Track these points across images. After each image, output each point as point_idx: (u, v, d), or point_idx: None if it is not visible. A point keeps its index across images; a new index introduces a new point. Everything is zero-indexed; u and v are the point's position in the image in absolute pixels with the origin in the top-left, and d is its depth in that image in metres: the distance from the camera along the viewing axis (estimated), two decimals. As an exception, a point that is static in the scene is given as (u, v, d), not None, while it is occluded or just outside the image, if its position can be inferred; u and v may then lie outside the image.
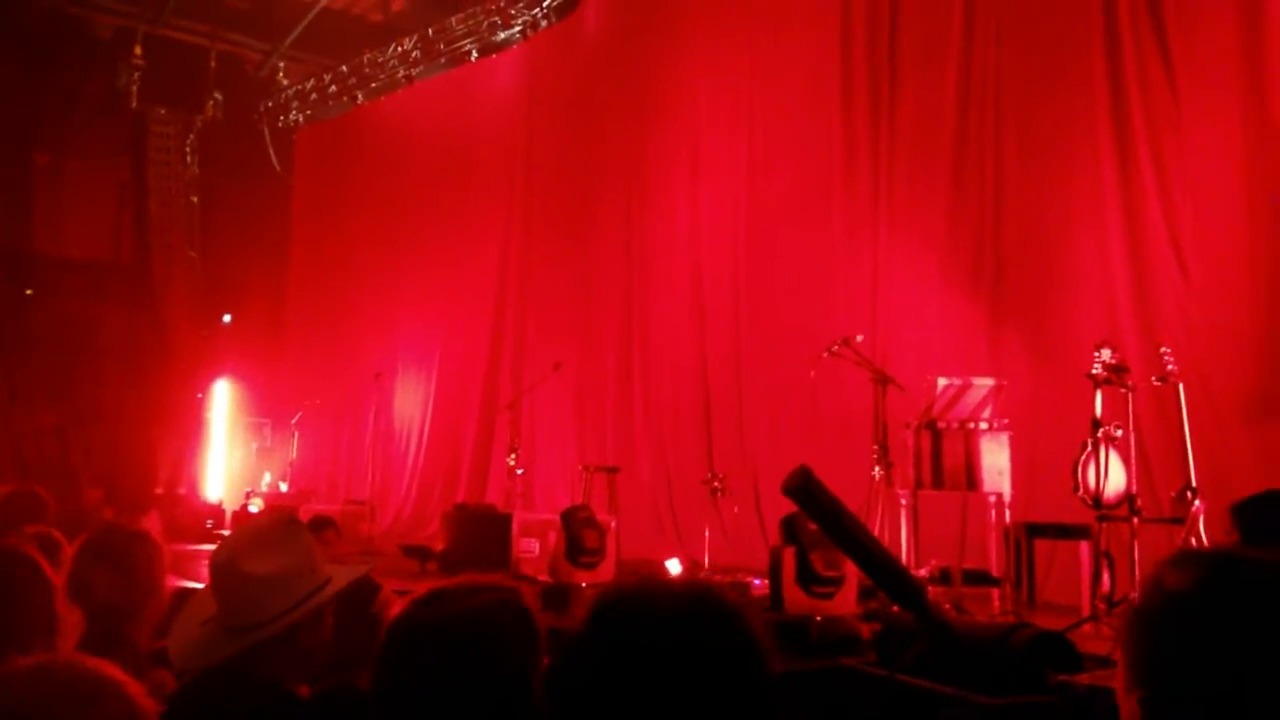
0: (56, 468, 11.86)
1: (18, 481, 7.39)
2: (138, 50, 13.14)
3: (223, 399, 13.44)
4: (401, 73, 12.84)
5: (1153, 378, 5.01)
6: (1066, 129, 6.93)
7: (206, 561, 2.08)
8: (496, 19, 11.74)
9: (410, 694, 1.51)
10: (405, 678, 1.52)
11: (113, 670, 1.25)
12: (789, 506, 5.60)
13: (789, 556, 5.22)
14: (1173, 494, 4.93)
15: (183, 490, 12.38)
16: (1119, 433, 4.90)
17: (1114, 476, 4.90)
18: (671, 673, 1.12)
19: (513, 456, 8.54)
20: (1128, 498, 4.91)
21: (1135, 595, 4.70)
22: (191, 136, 14.13)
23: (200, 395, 13.29)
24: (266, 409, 13.09)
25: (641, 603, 1.18)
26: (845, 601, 5.23)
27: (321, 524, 5.08)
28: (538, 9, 11.41)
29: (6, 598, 2.39)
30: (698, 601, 1.18)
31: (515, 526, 7.52)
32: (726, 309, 9.09)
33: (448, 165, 11.93)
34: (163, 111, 14.01)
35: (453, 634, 1.52)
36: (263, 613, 1.90)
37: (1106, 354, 4.82)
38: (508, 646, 1.53)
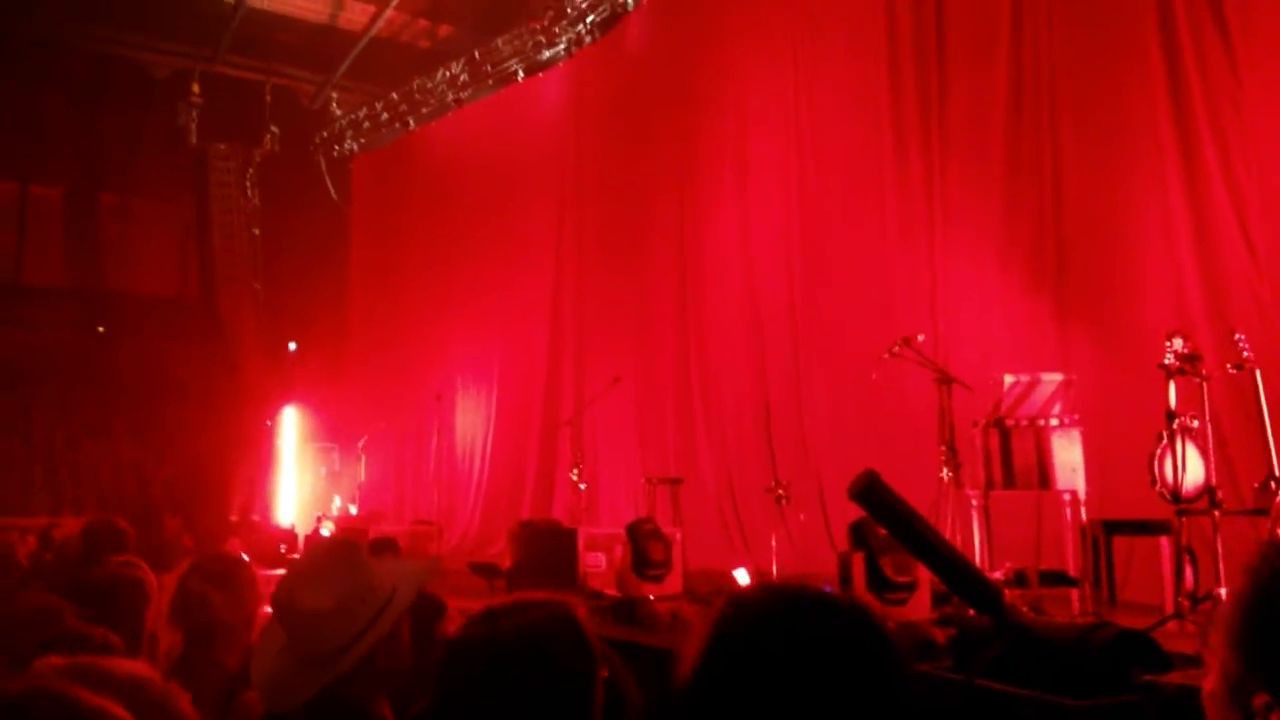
0: (135, 499, 12.20)
1: (98, 513, 7.63)
2: (195, 88, 13.51)
3: (291, 426, 13.71)
4: (451, 96, 13.02)
5: (1228, 365, 4.86)
6: (1124, 112, 6.76)
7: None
8: (541, 38, 11.85)
9: (468, 712, 1.52)
10: (462, 697, 1.53)
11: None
12: (856, 512, 5.53)
13: (858, 562, 5.15)
14: (1255, 485, 4.77)
15: (256, 516, 12.64)
16: (1195, 424, 4.75)
17: (1192, 469, 4.75)
18: (810, 678, 1.11)
19: (575, 471, 8.57)
20: (1207, 490, 4.76)
21: (1222, 590, 4.55)
22: (251, 170, 14.48)
23: (270, 423, 13.57)
24: (334, 434, 13.32)
25: (768, 610, 1.17)
26: (919, 607, 5.14)
27: (384, 546, 5.13)
28: (581, 26, 11.50)
29: (107, 619, 2.47)
30: (824, 606, 1.17)
31: (581, 541, 7.53)
32: (782, 314, 9.03)
33: (500, 185, 12.06)
34: (222, 147, 14.39)
35: (506, 651, 1.53)
36: (333, 642, 1.93)
37: (1179, 343, 4.68)
38: (562, 661, 1.54)
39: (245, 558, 2.69)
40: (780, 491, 7.25)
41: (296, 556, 10.21)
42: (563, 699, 1.52)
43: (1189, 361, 4.67)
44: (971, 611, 4.30)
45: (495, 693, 1.51)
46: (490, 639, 1.56)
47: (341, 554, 2.06)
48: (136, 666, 1.42)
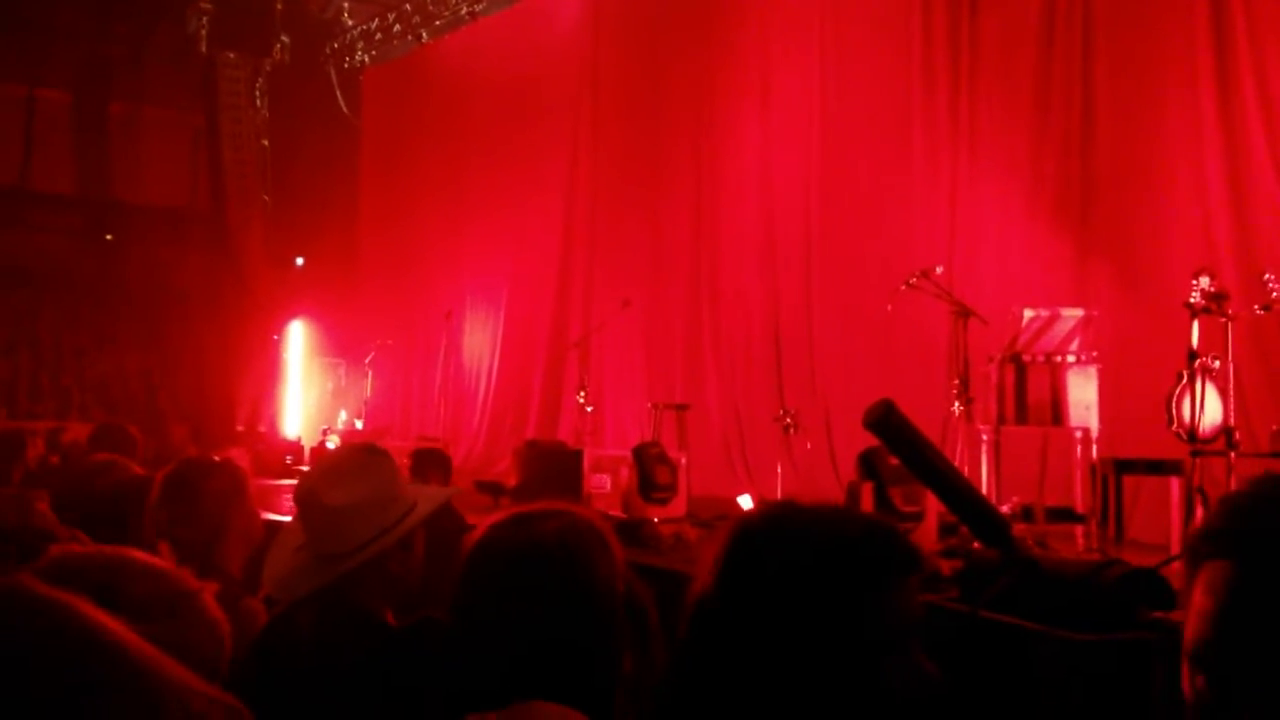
0: (143, 408, 12.26)
1: (106, 419, 7.65)
2: (205, -6, 13.21)
3: (298, 340, 13.70)
4: (465, 9, 12.69)
5: (1255, 306, 4.75)
6: (1160, 43, 6.54)
7: (289, 495, 2.10)
8: (560, -50, 11.50)
9: (495, 618, 1.48)
10: (490, 601, 1.49)
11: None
12: (862, 442, 5.50)
13: (867, 492, 5.13)
14: (1273, 428, 4.70)
15: (263, 428, 12.71)
16: (1216, 364, 4.67)
17: (1210, 410, 4.68)
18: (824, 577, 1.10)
19: (582, 393, 8.54)
20: (1224, 432, 4.69)
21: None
22: (260, 80, 14.21)
23: (277, 336, 13.56)
24: (341, 349, 13.32)
25: (789, 524, 1.17)
26: (925, 538, 5.12)
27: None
28: (602, -63, 11.14)
29: (110, 523, 2.44)
30: (840, 517, 1.18)
31: (586, 462, 7.53)
32: (798, 242, 8.90)
33: (514, 102, 11.82)
34: (232, 56, 14.09)
35: (540, 554, 1.48)
36: (349, 541, 1.92)
37: (1205, 281, 4.57)
38: (594, 568, 1.50)
39: (236, 463, 2.63)
40: (788, 420, 7.21)
41: (304, 468, 10.31)
42: (591, 607, 1.48)
43: (1215, 300, 4.57)
44: (978, 545, 4.28)
45: (524, 596, 1.47)
46: (518, 542, 1.51)
47: (369, 458, 2.06)
48: (151, 558, 1.38)
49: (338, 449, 2.18)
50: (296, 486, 2.07)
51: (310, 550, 1.96)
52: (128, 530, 2.43)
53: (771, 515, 1.20)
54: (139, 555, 1.33)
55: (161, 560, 1.43)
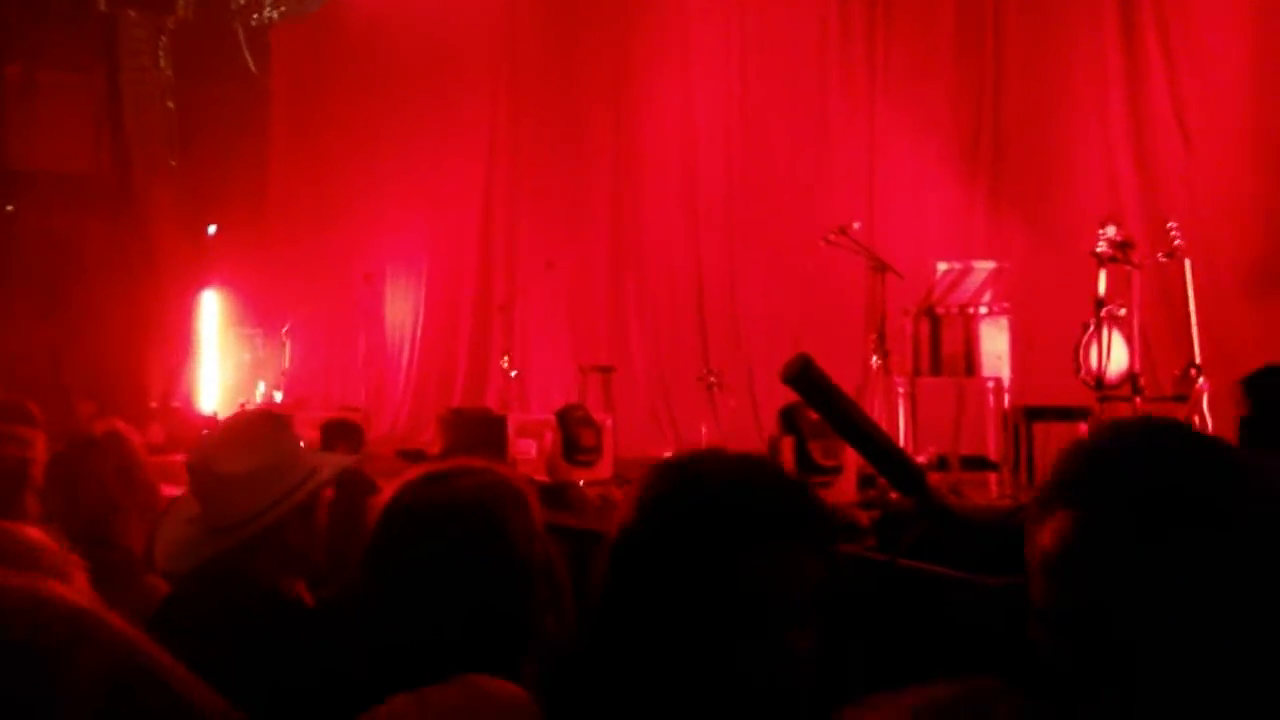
0: (48, 383, 11.80)
1: (10, 396, 7.33)
2: (102, -51, 12.60)
3: (212, 310, 13.29)
4: (377, -36, 12.32)
5: (1159, 254, 4.89)
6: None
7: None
8: (472, -98, 11.20)
9: (411, 583, 1.41)
10: (405, 565, 1.42)
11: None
12: (785, 399, 5.54)
13: (787, 446, 5.16)
14: (1176, 373, 4.86)
15: (177, 403, 12.34)
16: (1123, 312, 4.80)
17: (1116, 356, 4.82)
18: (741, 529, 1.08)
19: (506, 358, 8.46)
20: (1130, 378, 4.84)
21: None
22: (164, 39, 13.65)
23: (189, 307, 13.14)
24: (257, 318, 12.96)
25: (701, 469, 1.15)
26: (844, 490, 5.20)
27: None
28: (516, -110, 10.88)
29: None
30: (750, 467, 1.15)
31: (511, 428, 7.48)
32: (719, 200, 8.90)
33: (430, 59, 11.54)
34: (133, 14, 13.49)
35: (457, 513, 1.42)
36: (243, 511, 1.85)
37: (1111, 230, 4.68)
38: (512, 525, 1.45)
39: (127, 437, 2.53)
40: (712, 379, 7.25)
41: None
42: (508, 564, 1.43)
43: (1121, 249, 4.68)
44: (895, 495, 4.36)
45: (441, 558, 1.40)
46: (433, 499, 1.45)
47: (265, 425, 1.98)
48: (36, 532, 1.32)
49: (233, 417, 2.09)
50: (190, 454, 1.99)
51: (203, 522, 1.89)
52: (9, 509, 2.32)
53: (688, 459, 1.18)
54: (12, 528, 1.27)
55: (40, 535, 1.36)
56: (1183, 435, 0.93)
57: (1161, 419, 0.98)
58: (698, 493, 1.11)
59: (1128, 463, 0.89)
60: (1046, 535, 0.90)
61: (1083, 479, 0.90)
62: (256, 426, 1.98)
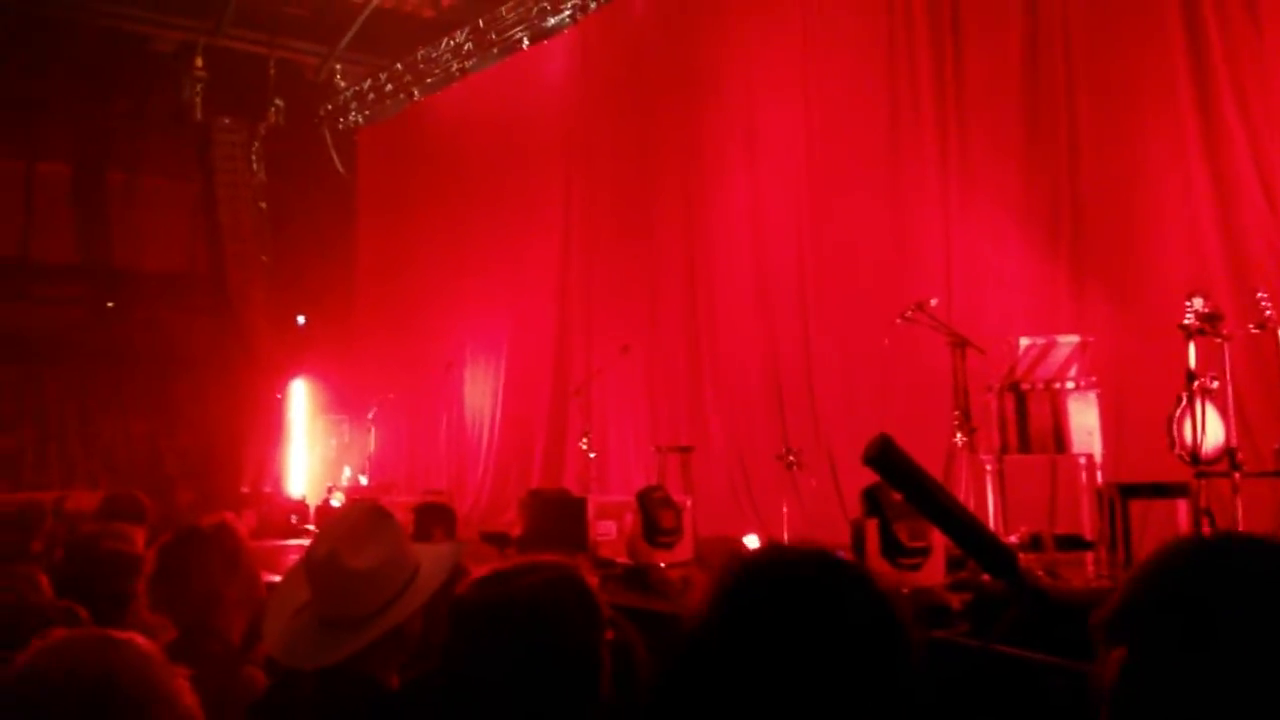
0: (147, 472, 12.24)
1: (112, 488, 7.63)
2: (199, 62, 13.38)
3: (301, 398, 13.71)
4: (455, 66, 12.87)
5: (1249, 325, 4.77)
6: (1141, 69, 6.62)
7: (299, 556, 2.07)
8: (546, 4, 11.68)
9: (477, 674, 1.48)
10: (471, 658, 1.50)
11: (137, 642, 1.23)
12: (868, 478, 5.48)
13: (872, 528, 5.10)
14: (1275, 446, 4.69)
15: (268, 488, 12.67)
16: (1215, 384, 4.67)
17: (1212, 431, 4.68)
18: (815, 644, 1.09)
19: (585, 440, 8.53)
20: (1227, 452, 4.68)
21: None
22: (256, 144, 14.37)
23: (280, 395, 13.57)
24: (343, 405, 13.31)
25: (775, 573, 1.15)
26: (933, 572, 5.09)
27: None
28: (586, -9, 11.34)
29: (95, 594, 2.43)
30: (832, 568, 1.15)
31: (591, 509, 7.51)
32: (792, 280, 8.94)
33: (506, 154, 11.95)
34: (227, 121, 14.26)
35: (515, 611, 1.49)
36: (365, 606, 1.87)
37: (1199, 302, 4.59)
38: (570, 622, 1.50)
39: (231, 525, 2.60)
40: (791, 458, 7.21)
41: (310, 526, 10.26)
42: (568, 660, 1.49)
43: (1209, 321, 4.58)
44: (987, 577, 4.25)
45: (499, 654, 1.48)
46: (495, 600, 1.53)
47: (379, 519, 2.01)
48: (136, 639, 1.38)
49: (345, 509, 2.13)
50: (310, 547, 2.01)
51: (316, 613, 1.91)
52: (128, 603, 2.41)
53: (761, 564, 1.18)
54: (127, 640, 1.33)
55: (149, 643, 1.43)
56: (1243, 556, 0.92)
57: (1222, 536, 0.97)
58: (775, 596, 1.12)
59: (1178, 596, 0.90)
60: (1108, 667, 0.92)
61: (1136, 612, 0.92)
62: (372, 520, 1.99)
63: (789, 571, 1.17)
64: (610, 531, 7.49)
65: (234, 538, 2.55)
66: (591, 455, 8.53)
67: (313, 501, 11.51)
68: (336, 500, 10.61)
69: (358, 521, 2.00)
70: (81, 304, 13.58)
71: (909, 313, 6.10)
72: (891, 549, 5.06)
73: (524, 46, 12.10)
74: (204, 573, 2.45)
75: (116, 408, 13.17)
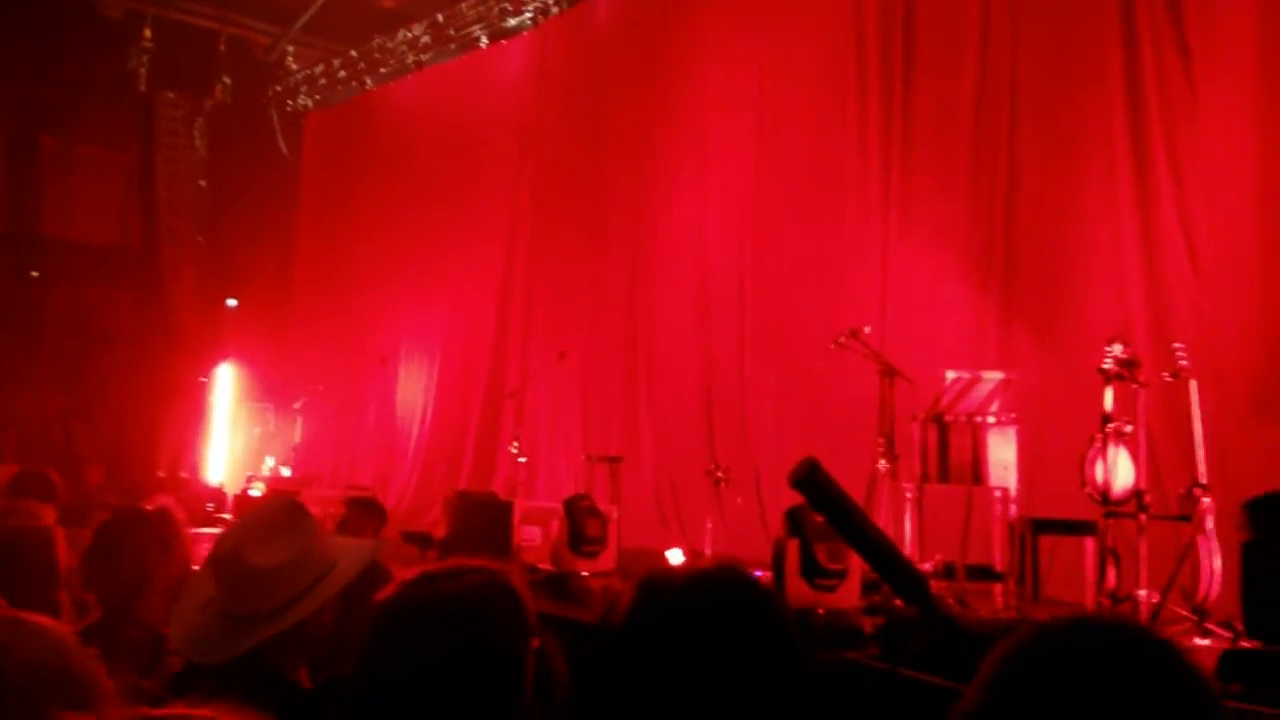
0: (59, 451, 11.86)
1: (22, 463, 7.39)
2: (147, 33, 13.08)
3: (226, 383, 13.41)
4: (411, 58, 12.78)
5: (1165, 373, 4.95)
6: (1082, 121, 6.85)
7: (209, 546, 2.05)
8: (507, 4, 11.66)
9: (398, 677, 1.47)
10: (390, 660, 1.48)
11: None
12: (792, 498, 5.56)
13: (793, 548, 5.18)
14: (1181, 491, 4.88)
15: (184, 474, 12.37)
16: (1129, 429, 4.85)
17: (1122, 472, 4.85)
18: (717, 659, 1.17)
19: (515, 444, 8.51)
20: (1135, 494, 4.86)
21: (1142, 591, 4.66)
22: (200, 120, 14.08)
23: (204, 379, 13.27)
24: (270, 394, 13.07)
25: (685, 590, 1.24)
26: (848, 595, 5.19)
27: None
28: (548, -5, 11.35)
29: (11, 578, 2.37)
30: (736, 587, 1.24)
31: (517, 514, 7.49)
32: (732, 300, 9.04)
33: (456, 151, 11.89)
34: (171, 95, 13.96)
35: (442, 613, 1.48)
36: (267, 602, 1.87)
37: (1118, 349, 4.76)
38: (498, 626, 1.50)
39: (174, 514, 2.57)
40: (719, 474, 7.27)
41: (227, 515, 10.03)
42: (494, 666, 1.48)
43: (1127, 367, 4.76)
44: (899, 602, 4.35)
45: (425, 656, 1.45)
46: (424, 601, 1.50)
47: (291, 514, 1.99)
48: (49, 623, 1.36)
49: (262, 504, 2.11)
50: (217, 542, 1.99)
51: (220, 608, 1.89)
52: (38, 582, 2.36)
53: (670, 583, 1.25)
54: (30, 620, 1.31)
55: (56, 624, 1.40)
56: (1106, 657, 0.94)
57: (1097, 621, 0.99)
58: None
59: (1032, 694, 0.93)
60: None
61: (996, 701, 0.95)
62: (283, 517, 1.98)
63: (698, 589, 1.23)
64: (535, 537, 7.48)
65: (173, 524, 2.53)
66: (521, 460, 8.51)
67: (231, 490, 11.27)
68: (256, 490, 10.40)
69: (271, 517, 1.99)
70: (3, 272, 13.14)
71: (842, 339, 6.22)
72: (810, 570, 5.14)
73: (482, 45, 12.06)
74: (138, 554, 2.43)
75: (30, 380, 12.75)
